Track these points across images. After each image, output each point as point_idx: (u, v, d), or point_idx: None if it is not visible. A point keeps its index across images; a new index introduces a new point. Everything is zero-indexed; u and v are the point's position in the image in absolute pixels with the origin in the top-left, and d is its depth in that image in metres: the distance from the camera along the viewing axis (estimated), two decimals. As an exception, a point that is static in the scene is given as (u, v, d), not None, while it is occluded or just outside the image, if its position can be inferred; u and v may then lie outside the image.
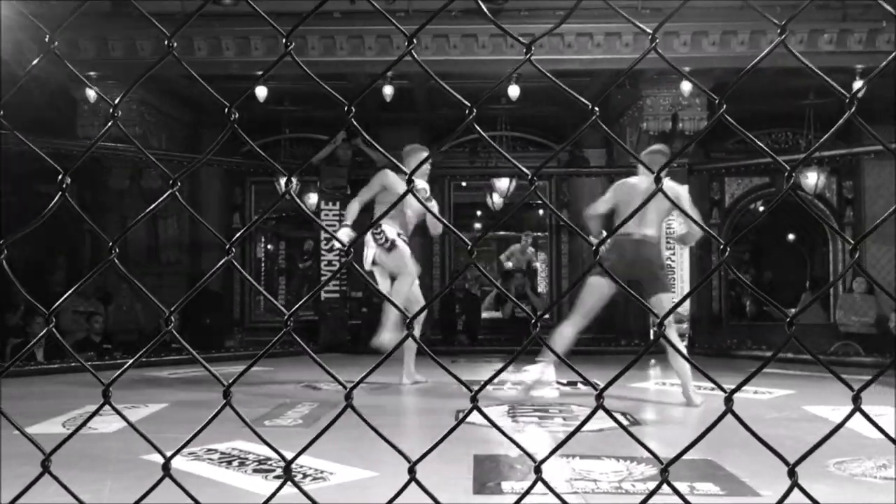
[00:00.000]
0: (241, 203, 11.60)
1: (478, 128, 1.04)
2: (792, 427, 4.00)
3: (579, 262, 11.33)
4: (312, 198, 10.23)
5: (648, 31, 1.04)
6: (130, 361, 1.21)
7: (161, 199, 1.18)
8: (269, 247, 12.70)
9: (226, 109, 1.12)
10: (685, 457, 3.03)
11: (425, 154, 5.69)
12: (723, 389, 1.02)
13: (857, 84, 8.81)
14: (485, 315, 11.13)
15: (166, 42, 1.12)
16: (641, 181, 5.09)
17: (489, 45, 8.54)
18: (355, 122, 1.10)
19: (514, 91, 9.11)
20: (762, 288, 12.70)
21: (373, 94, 9.39)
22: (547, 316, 10.63)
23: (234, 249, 1.09)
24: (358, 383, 1.06)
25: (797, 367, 6.25)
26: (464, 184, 11.93)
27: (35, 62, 1.21)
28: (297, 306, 1.21)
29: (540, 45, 8.80)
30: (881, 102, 9.35)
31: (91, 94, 8.49)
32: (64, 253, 9.62)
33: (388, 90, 9.23)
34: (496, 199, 10.50)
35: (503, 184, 10.28)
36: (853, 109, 1.00)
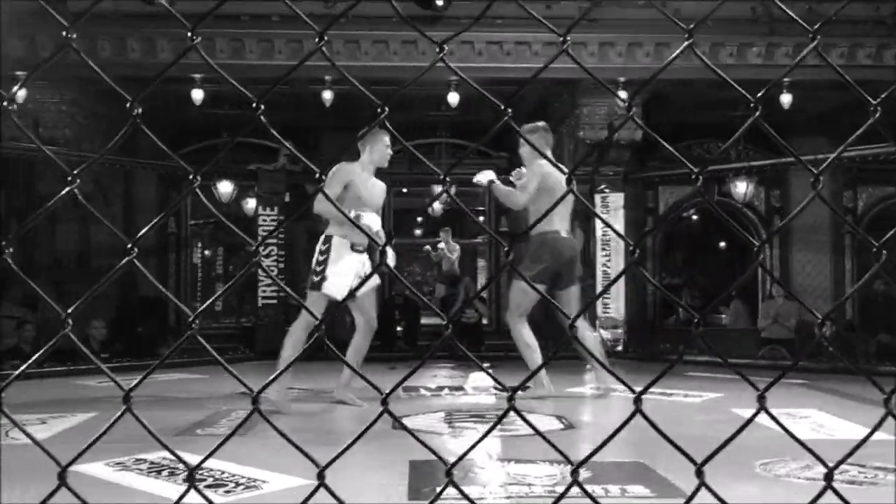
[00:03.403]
0: (179, 208, 11.37)
1: (389, 126, 1.05)
2: (719, 429, 4.08)
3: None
4: (251, 203, 10.12)
5: (559, 33, 1.06)
6: (20, 369, 1.18)
7: (60, 194, 1.14)
8: (206, 252, 12.50)
9: (128, 104, 1.09)
10: (616, 459, 3.08)
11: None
12: (632, 390, 1.05)
13: (785, 97, 9.11)
14: (428, 321, 11.09)
15: (65, 33, 1.09)
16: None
17: (428, 51, 8.57)
18: (264, 119, 1.09)
19: (453, 98, 9.17)
20: (697, 293, 13.01)
21: (313, 99, 9.35)
22: (486, 322, 10.72)
23: (135, 250, 1.07)
24: (264, 387, 1.06)
25: (728, 371, 6.42)
26: (404, 190, 11.94)
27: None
28: (200, 308, 1.20)
29: (479, 52, 8.90)
30: (810, 115, 9.73)
31: (20, 94, 8.24)
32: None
33: (327, 95, 9.18)
34: (436, 206, 10.54)
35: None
36: (757, 114, 1.05)
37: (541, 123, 5.34)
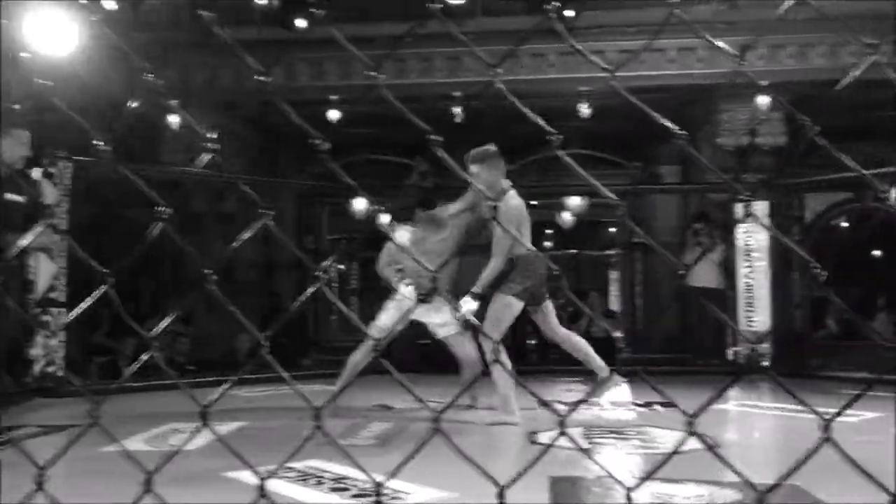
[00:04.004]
0: (316, 224, 11.83)
1: (561, 153, 1.04)
2: (882, 452, 3.82)
3: (654, 281, 11.14)
4: (385, 218, 10.37)
5: (734, 53, 1.02)
6: (229, 383, 1.24)
7: (256, 225, 1.21)
8: (340, 267, 12.88)
9: (313, 140, 1.15)
10: (769, 481, 2.92)
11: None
12: (821, 416, 0.98)
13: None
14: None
15: (260, 77, 1.16)
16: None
17: (558, 63, 8.52)
18: (441, 153, 1.11)
19: (586, 108, 9.08)
20: (847, 306, 12.21)
21: (442, 114, 9.48)
22: (621, 335, 10.50)
23: (322, 274, 1.12)
24: (447, 406, 1.07)
25: (888, 389, 5.97)
26: (534, 202, 11.88)
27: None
28: (388, 330, 1.23)
29: (610, 62, 8.74)
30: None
31: (175, 120, 8.79)
32: (149, 275, 9.94)
33: (457, 110, 9.31)
34: (566, 217, 10.44)
35: (573, 201, 10.22)
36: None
37: (491, 149, 4.93)
